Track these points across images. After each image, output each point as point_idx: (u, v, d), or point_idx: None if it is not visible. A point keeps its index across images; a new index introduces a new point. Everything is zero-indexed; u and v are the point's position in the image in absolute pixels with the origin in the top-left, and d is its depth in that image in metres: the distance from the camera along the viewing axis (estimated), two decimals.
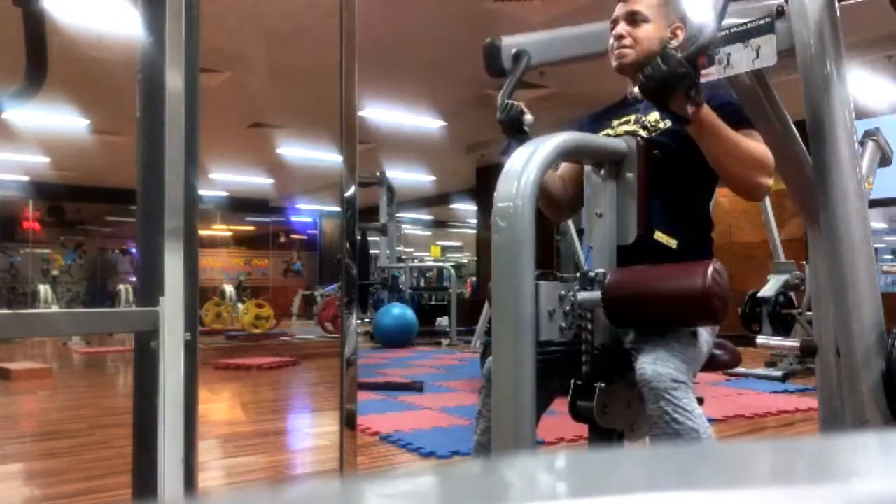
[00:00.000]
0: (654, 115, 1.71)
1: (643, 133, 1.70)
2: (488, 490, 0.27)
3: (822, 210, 1.71)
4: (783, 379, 5.24)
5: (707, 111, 1.52)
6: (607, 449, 0.78)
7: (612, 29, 1.74)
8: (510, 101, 1.69)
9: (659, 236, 1.62)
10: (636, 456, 0.37)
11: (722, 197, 7.88)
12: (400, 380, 5.18)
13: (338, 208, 1.72)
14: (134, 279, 12.58)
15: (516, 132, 1.68)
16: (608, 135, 1.74)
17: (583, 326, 1.55)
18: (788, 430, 3.68)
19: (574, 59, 1.95)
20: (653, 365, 1.43)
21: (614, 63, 1.75)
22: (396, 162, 10.60)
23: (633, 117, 1.74)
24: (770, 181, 1.61)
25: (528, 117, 1.68)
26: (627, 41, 1.71)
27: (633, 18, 1.70)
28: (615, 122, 1.77)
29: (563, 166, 1.87)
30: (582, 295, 1.53)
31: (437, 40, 5.93)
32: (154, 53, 1.38)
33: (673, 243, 1.62)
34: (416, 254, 19.86)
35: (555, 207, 1.84)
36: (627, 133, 1.71)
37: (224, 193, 13.85)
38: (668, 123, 1.68)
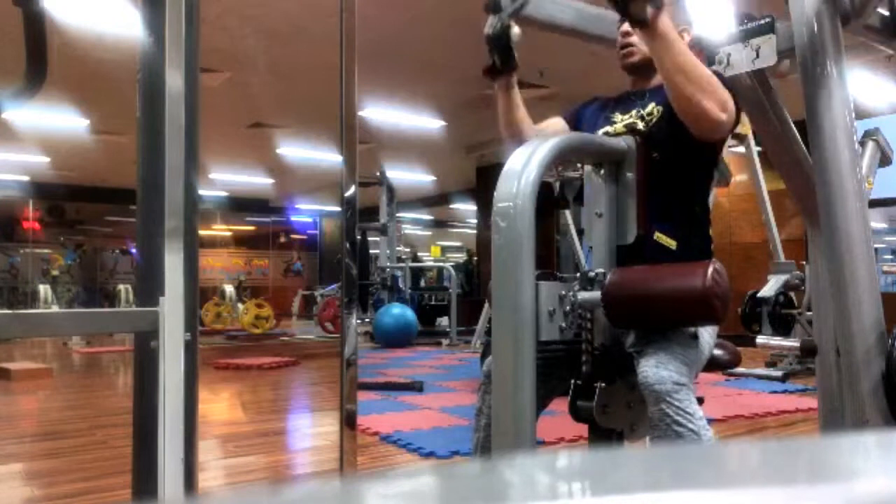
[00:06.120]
0: (650, 107, 1.72)
1: (641, 125, 1.70)
2: (488, 490, 0.27)
3: (822, 210, 1.71)
4: (783, 379, 5.24)
5: (666, 21, 1.52)
6: (607, 449, 0.78)
7: (620, 27, 1.75)
8: (499, 17, 1.65)
9: (658, 237, 1.62)
10: (636, 456, 0.37)
11: (722, 197, 7.89)
12: (400, 380, 5.18)
13: (338, 208, 1.72)
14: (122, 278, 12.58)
15: (502, 48, 1.67)
16: (608, 133, 1.74)
17: (583, 326, 1.55)
18: (788, 430, 3.68)
19: (568, 31, 1.94)
20: (654, 368, 1.43)
21: (620, 62, 1.76)
22: (396, 162, 10.59)
23: (633, 112, 1.75)
24: (724, 117, 1.54)
25: (516, 30, 1.66)
26: (634, 39, 1.72)
27: None
28: (617, 118, 1.76)
29: (549, 129, 1.84)
30: (582, 295, 1.53)
31: (437, 40, 5.93)
32: (154, 53, 1.38)
33: (672, 244, 1.62)
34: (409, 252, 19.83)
35: (512, 130, 1.79)
36: (627, 127, 1.71)
37: (224, 193, 13.84)
38: (661, 110, 1.68)
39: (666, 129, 1.66)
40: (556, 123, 1.87)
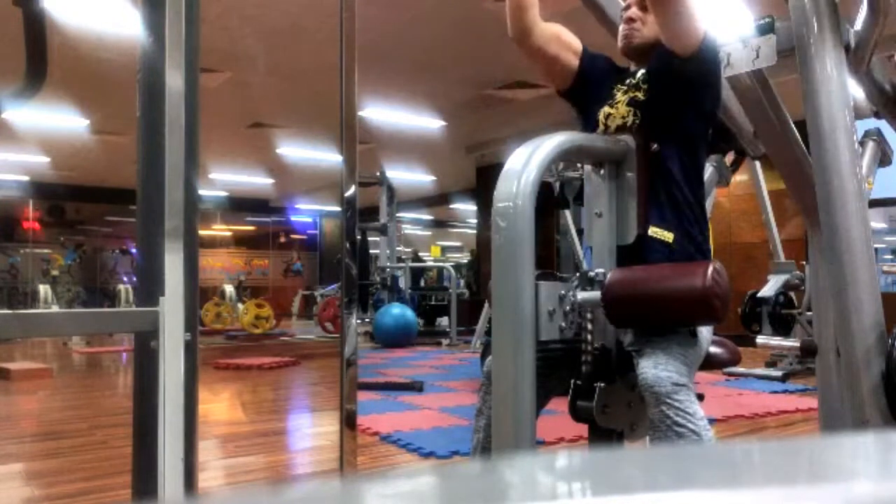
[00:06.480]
0: (640, 74, 1.74)
1: (640, 94, 1.72)
2: (488, 490, 0.27)
3: (822, 210, 1.71)
4: (783, 379, 5.24)
5: None
6: (607, 449, 0.78)
7: (624, 13, 1.76)
8: None
9: (654, 231, 1.61)
10: (636, 456, 0.37)
11: (722, 197, 7.89)
12: (400, 380, 5.18)
13: (338, 208, 1.72)
14: (124, 278, 12.58)
15: None
16: (609, 114, 1.74)
17: (583, 326, 1.55)
18: (788, 430, 3.68)
19: None
20: (654, 369, 1.43)
21: (621, 44, 1.77)
22: (396, 162, 10.59)
23: (632, 84, 1.76)
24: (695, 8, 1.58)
25: None
26: (637, 24, 1.73)
27: (645, 4, 1.71)
28: (617, 92, 1.77)
29: (560, 33, 1.83)
30: (582, 295, 1.53)
31: (438, 40, 5.93)
32: (154, 53, 1.39)
33: (669, 237, 1.62)
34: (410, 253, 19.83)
35: (517, 16, 1.75)
36: (630, 102, 1.72)
37: (224, 193, 13.84)
38: (647, 74, 1.72)
39: (659, 87, 1.69)
40: (570, 37, 1.84)
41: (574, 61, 1.82)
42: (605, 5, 2.06)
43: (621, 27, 1.78)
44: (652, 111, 1.69)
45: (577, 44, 1.84)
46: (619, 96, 1.76)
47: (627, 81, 1.77)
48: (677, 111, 1.68)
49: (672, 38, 1.62)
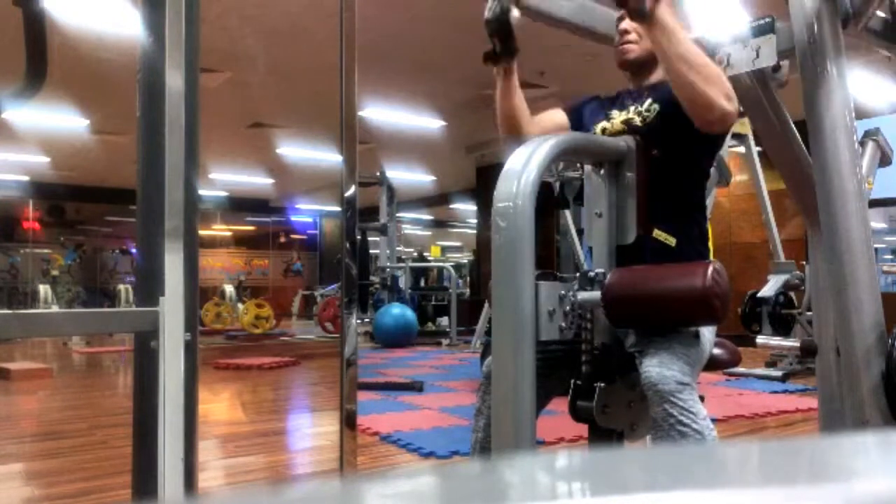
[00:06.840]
0: (647, 103, 1.71)
1: (638, 121, 1.70)
2: (488, 490, 0.27)
3: (822, 210, 1.71)
4: (783, 379, 5.24)
5: (666, 11, 1.51)
6: (607, 449, 0.78)
7: (618, 25, 1.75)
8: (499, 0, 1.63)
9: (657, 234, 1.61)
10: (636, 456, 0.37)
11: (722, 197, 7.89)
12: (400, 380, 5.18)
13: (338, 208, 1.72)
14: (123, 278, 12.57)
15: (502, 32, 1.64)
16: (605, 128, 1.74)
17: (583, 326, 1.54)
18: (788, 430, 3.68)
19: (566, 23, 1.94)
20: (658, 368, 1.42)
21: (617, 60, 1.76)
22: (396, 162, 10.59)
23: (631, 108, 1.74)
24: (729, 107, 1.51)
25: (516, 13, 1.63)
26: (632, 36, 1.71)
27: None
28: (615, 113, 1.76)
29: (548, 120, 1.85)
30: (582, 295, 1.53)
31: (437, 40, 5.93)
32: (154, 53, 1.38)
33: (672, 241, 1.62)
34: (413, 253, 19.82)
35: (509, 118, 1.77)
36: (625, 123, 1.71)
37: (224, 193, 13.84)
38: (658, 107, 1.68)
39: (664, 127, 1.66)
40: (555, 115, 1.86)
41: (565, 123, 1.84)
42: (592, 21, 2.03)
43: (617, 38, 1.76)
44: (652, 138, 1.66)
45: (562, 120, 1.85)
46: (616, 114, 1.75)
47: (633, 107, 1.74)
48: (685, 144, 1.65)
49: (703, 125, 1.56)
